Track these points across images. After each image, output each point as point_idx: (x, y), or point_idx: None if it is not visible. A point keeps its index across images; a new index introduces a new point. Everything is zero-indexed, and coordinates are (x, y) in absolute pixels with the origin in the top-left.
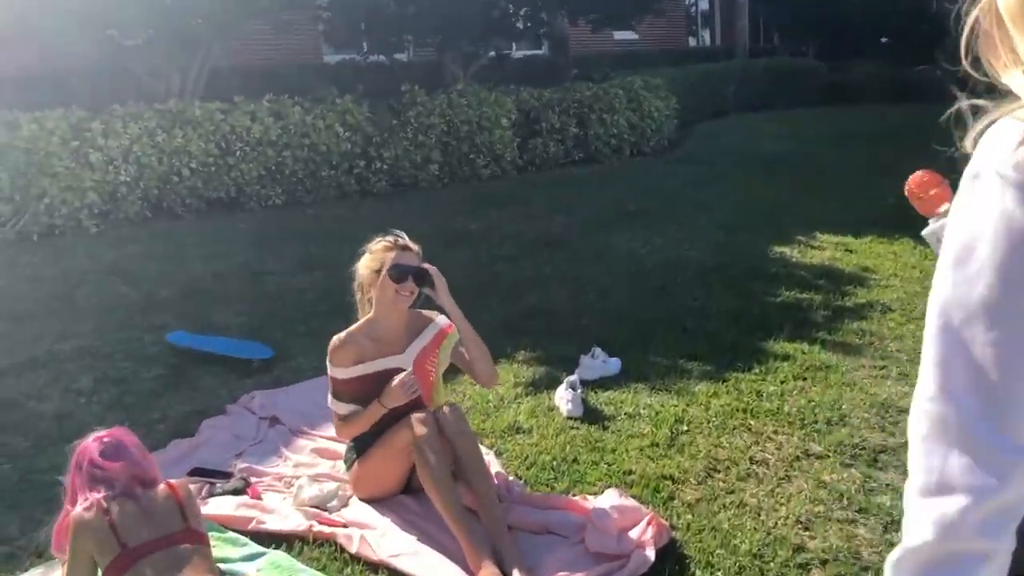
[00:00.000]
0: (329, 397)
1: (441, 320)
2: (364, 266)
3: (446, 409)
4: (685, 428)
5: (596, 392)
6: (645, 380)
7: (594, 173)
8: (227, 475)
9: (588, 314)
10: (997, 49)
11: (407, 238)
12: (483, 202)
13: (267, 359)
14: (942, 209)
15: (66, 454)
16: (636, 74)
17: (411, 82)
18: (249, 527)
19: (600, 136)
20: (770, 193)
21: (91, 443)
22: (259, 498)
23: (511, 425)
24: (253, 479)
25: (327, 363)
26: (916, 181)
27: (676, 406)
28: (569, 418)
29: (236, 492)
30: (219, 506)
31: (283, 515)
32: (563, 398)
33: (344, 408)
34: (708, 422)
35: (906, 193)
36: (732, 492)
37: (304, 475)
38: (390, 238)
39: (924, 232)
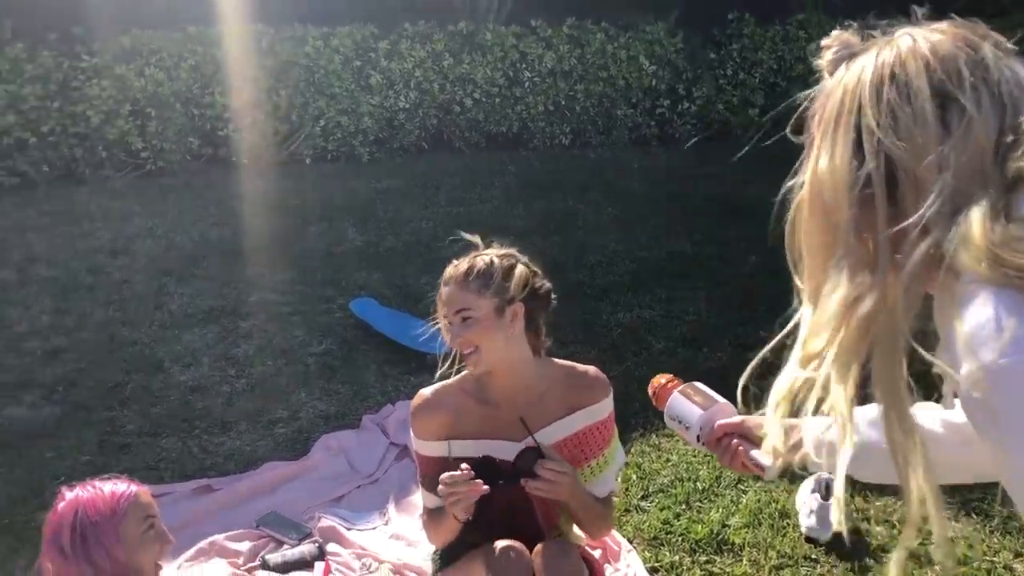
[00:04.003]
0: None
1: (607, 402)
2: None
3: (554, 552)
4: None
5: (865, 494)
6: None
7: None
8: (302, 533)
9: None
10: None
11: (468, 259)
12: None
13: (443, 354)
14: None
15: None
16: None
17: (741, 8)
18: None
19: None
20: None
21: (65, 510)
22: None
23: (712, 535)
24: (330, 548)
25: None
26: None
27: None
28: (809, 539)
29: (301, 564)
30: None
31: None
32: (805, 504)
33: (431, 499)
34: None
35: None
36: None
37: (385, 564)
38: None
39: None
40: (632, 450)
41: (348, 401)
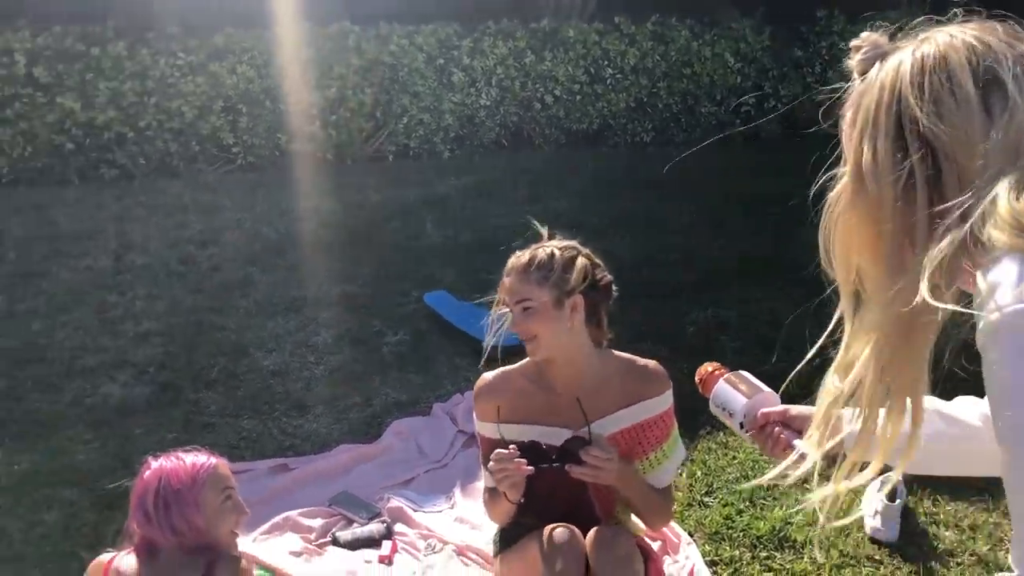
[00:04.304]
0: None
1: (666, 396)
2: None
3: (607, 536)
4: None
5: (935, 498)
6: None
7: None
8: (371, 512)
9: None
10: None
11: (530, 251)
12: None
13: (512, 346)
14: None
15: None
16: None
17: (830, 5)
18: None
19: None
20: None
21: (150, 478)
22: (389, 561)
23: (774, 532)
24: (397, 528)
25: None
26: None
27: None
28: (874, 540)
29: (370, 543)
30: (325, 566)
31: None
32: (871, 504)
33: (491, 480)
34: None
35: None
36: None
37: (449, 546)
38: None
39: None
40: (698, 447)
41: (419, 389)
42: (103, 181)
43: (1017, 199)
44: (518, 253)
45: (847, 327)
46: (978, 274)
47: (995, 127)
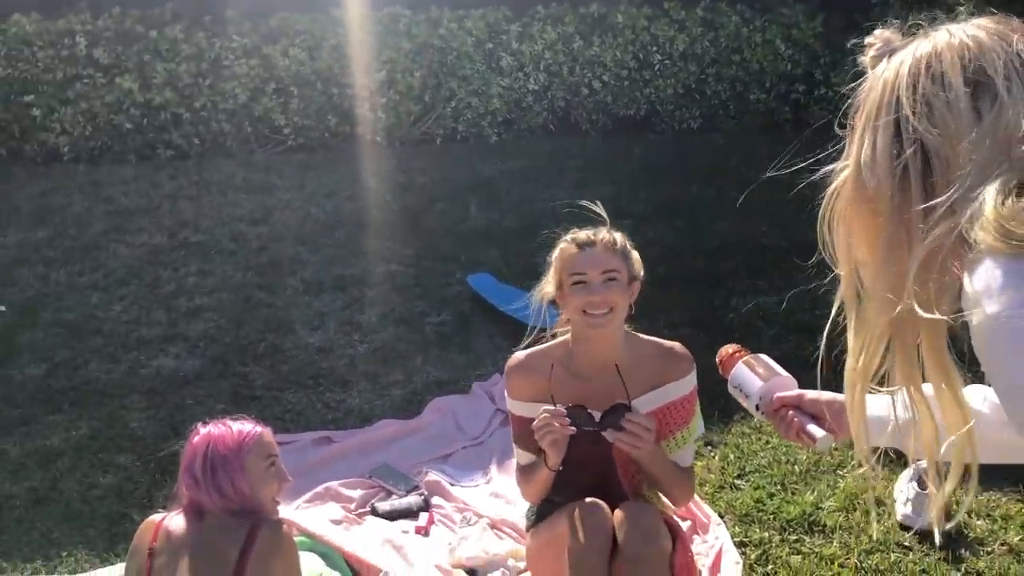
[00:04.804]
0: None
1: (691, 377)
2: (546, 279)
3: (633, 510)
4: None
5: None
6: None
7: None
8: (410, 485)
9: None
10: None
11: (604, 229)
12: None
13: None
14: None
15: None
16: None
17: None
18: None
19: None
20: None
21: (199, 443)
22: (426, 532)
23: (803, 515)
24: (434, 500)
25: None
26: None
27: None
28: (904, 526)
29: (407, 514)
30: (363, 535)
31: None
32: (902, 493)
33: (525, 456)
34: None
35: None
36: None
37: (484, 519)
38: (571, 234)
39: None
40: (732, 431)
41: (460, 368)
42: (159, 160)
43: (1003, 203)
44: (588, 232)
45: (849, 317)
46: (964, 275)
47: (983, 126)
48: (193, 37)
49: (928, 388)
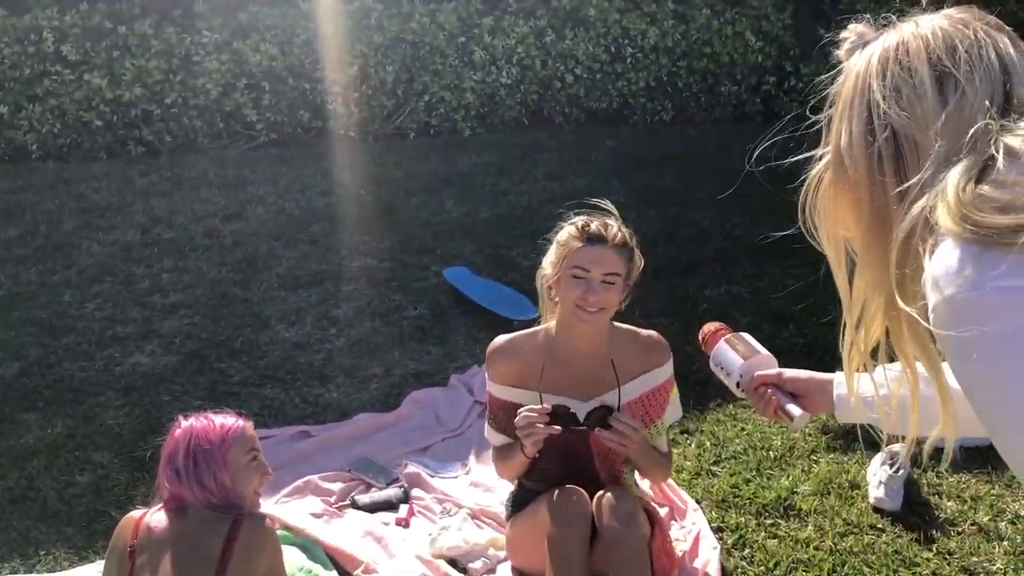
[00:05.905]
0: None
1: (669, 365)
2: (548, 260)
3: (611, 497)
4: None
5: (938, 472)
6: None
7: None
8: (389, 477)
9: None
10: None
11: (613, 222)
12: None
13: (530, 319)
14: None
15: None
16: None
17: None
18: (355, 573)
19: None
20: None
21: (181, 436)
22: (406, 524)
23: (779, 500)
24: (414, 492)
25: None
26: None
27: None
28: (877, 509)
29: (387, 506)
30: (344, 528)
31: (403, 570)
32: (875, 476)
33: (498, 438)
34: None
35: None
36: None
37: (464, 509)
38: (581, 220)
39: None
40: (707, 418)
41: (438, 361)
42: (130, 157)
43: (964, 187)
44: (571, 230)
45: (843, 300)
46: (925, 258)
47: (948, 111)
48: (163, 32)
49: (920, 367)
